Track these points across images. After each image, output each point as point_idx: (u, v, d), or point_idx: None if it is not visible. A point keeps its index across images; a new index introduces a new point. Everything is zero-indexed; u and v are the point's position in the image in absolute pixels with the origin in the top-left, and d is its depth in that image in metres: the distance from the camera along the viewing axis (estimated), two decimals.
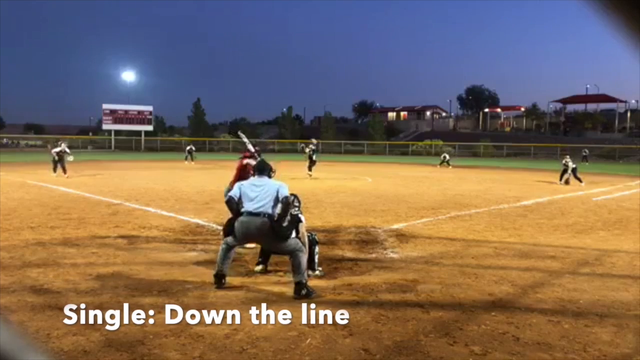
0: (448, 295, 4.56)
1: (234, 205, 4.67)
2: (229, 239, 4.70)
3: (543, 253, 6.38)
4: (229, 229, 4.71)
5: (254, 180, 4.84)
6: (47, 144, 18.14)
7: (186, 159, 28.70)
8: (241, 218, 4.59)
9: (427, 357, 3.23)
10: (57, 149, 17.07)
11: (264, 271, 5.22)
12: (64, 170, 16.71)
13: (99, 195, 11.64)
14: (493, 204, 11.23)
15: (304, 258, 4.58)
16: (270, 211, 4.56)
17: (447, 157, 30.91)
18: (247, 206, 4.60)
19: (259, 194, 4.62)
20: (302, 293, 4.38)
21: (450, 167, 28.59)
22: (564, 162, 17.81)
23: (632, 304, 4.38)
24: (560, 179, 17.59)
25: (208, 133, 59.55)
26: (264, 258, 5.29)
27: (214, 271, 4.72)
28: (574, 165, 17.48)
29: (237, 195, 4.68)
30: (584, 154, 37.46)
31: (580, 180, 17.01)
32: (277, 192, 4.62)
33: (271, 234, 4.54)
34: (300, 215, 5.24)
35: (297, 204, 5.42)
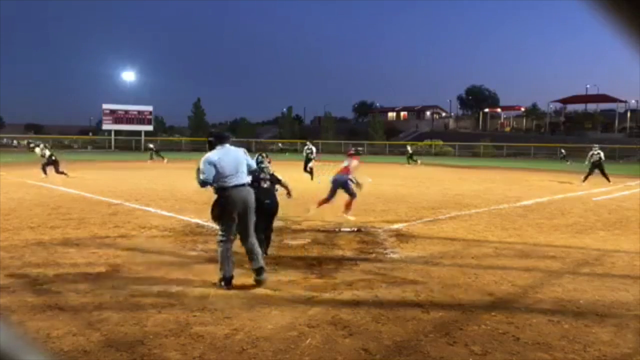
0: (448, 295, 4.56)
1: (209, 184, 4.75)
2: (223, 236, 4.77)
3: (543, 253, 6.38)
4: (218, 210, 4.78)
5: (220, 152, 4.80)
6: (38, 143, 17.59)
7: (151, 157, 27.75)
8: (228, 192, 4.68)
9: (427, 357, 3.23)
10: (46, 152, 16.65)
11: (265, 254, 5.48)
12: (57, 171, 16.37)
13: (99, 195, 11.63)
14: (493, 204, 11.23)
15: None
16: (248, 180, 4.91)
17: (410, 150, 30.13)
18: (229, 180, 4.69)
19: (234, 166, 4.75)
20: (264, 275, 4.77)
21: (419, 163, 28.14)
22: (593, 153, 16.86)
23: (632, 304, 4.38)
24: (586, 178, 16.78)
25: (208, 133, 59.49)
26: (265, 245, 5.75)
27: (221, 275, 4.70)
28: (603, 158, 16.80)
29: (213, 173, 4.68)
30: (561, 155, 36.40)
31: (585, 180, 16.70)
32: (247, 163, 4.94)
33: (254, 200, 4.85)
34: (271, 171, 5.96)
35: (267, 164, 6.01)
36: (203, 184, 4.75)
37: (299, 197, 11.35)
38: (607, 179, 16.74)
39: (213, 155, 4.75)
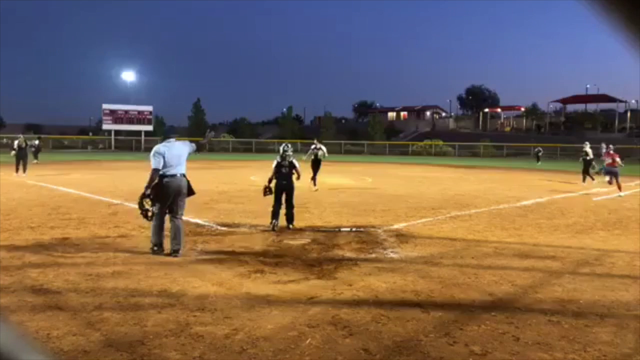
0: (448, 295, 4.56)
1: (158, 174, 5.78)
2: (158, 213, 5.82)
3: (543, 253, 6.38)
4: (156, 192, 5.81)
5: (168, 145, 5.92)
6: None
7: (36, 157, 22.85)
8: (167, 179, 5.80)
9: (427, 357, 3.23)
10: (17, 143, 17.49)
11: (292, 225, 7.69)
12: (24, 169, 17.11)
13: (99, 195, 11.63)
14: (493, 204, 11.23)
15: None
16: (184, 171, 5.98)
17: (316, 146, 30.07)
18: (169, 170, 5.81)
19: (177, 159, 5.87)
20: (179, 254, 5.76)
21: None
22: (584, 150, 16.75)
23: (632, 304, 4.38)
24: (584, 179, 16.62)
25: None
26: (277, 216, 7.55)
27: (152, 242, 5.85)
28: (590, 157, 16.62)
29: (161, 162, 5.76)
30: (539, 153, 35.24)
31: (592, 178, 16.51)
32: (188, 154, 6.08)
33: (187, 189, 6.00)
34: (294, 160, 7.66)
35: (290, 152, 7.72)
36: (154, 171, 5.76)
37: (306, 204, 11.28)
38: (584, 178, 16.76)
39: (161, 147, 5.89)
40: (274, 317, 3.89)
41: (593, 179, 16.60)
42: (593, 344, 3.47)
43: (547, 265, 5.73)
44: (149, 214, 5.83)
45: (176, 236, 5.82)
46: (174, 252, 5.78)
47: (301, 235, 7.24)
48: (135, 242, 6.64)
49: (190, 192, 6.11)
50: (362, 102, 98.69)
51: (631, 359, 3.33)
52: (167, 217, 5.97)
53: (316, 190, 13.26)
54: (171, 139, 6.02)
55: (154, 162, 5.77)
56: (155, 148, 5.90)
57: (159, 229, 5.88)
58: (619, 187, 13.44)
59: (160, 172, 5.77)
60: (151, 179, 5.77)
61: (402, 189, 14.53)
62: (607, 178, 13.93)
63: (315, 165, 14.24)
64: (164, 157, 5.76)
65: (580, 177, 17.15)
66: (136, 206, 6.83)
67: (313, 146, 14.55)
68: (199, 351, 3.24)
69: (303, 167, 8.82)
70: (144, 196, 5.78)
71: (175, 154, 5.87)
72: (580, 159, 17.12)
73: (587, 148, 16.89)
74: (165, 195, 5.81)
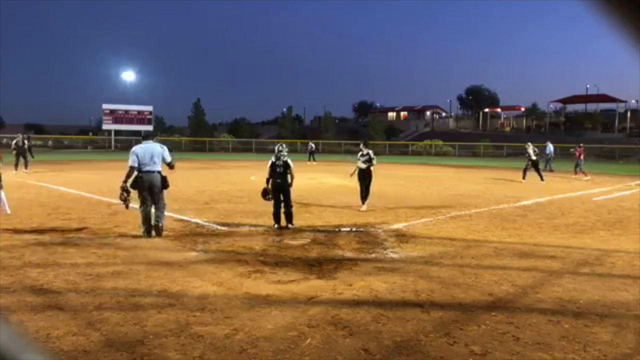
0: (448, 295, 4.56)
1: (134, 170, 6.79)
2: (142, 204, 6.78)
3: (543, 253, 6.38)
4: (135, 184, 6.79)
5: (143, 146, 6.90)
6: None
7: (28, 157, 18.47)
8: (142, 175, 6.78)
9: (427, 357, 3.23)
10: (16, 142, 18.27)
11: (291, 224, 7.76)
12: (25, 165, 17.86)
13: (99, 195, 11.64)
14: (493, 204, 11.23)
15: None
16: (159, 169, 6.93)
17: (313, 146, 30.42)
18: (145, 167, 6.79)
19: (151, 157, 6.81)
20: (161, 229, 6.91)
21: (315, 162, 28.43)
22: (527, 152, 17.46)
23: (632, 304, 4.38)
24: (524, 177, 17.33)
25: (208, 133, 59.45)
26: (279, 218, 7.76)
27: (143, 229, 6.81)
28: (534, 158, 17.23)
29: (137, 161, 6.76)
30: (535, 153, 35.23)
31: (541, 177, 16.98)
32: (162, 156, 6.96)
33: (161, 184, 6.92)
34: (288, 160, 7.76)
35: (285, 152, 7.80)
36: (131, 168, 6.78)
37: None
38: (524, 175, 17.44)
39: (137, 148, 6.89)
40: (274, 317, 3.89)
41: (542, 179, 16.99)
42: (593, 344, 3.47)
43: (547, 265, 5.73)
44: (127, 202, 6.85)
45: (159, 219, 6.91)
46: (157, 229, 6.88)
47: (301, 235, 7.24)
48: (136, 242, 6.64)
49: (165, 185, 7.03)
50: (362, 102, 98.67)
51: (631, 359, 3.33)
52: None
53: (365, 210, 9.84)
54: (149, 141, 7.03)
55: (130, 160, 6.79)
56: (133, 148, 6.91)
57: (147, 219, 6.81)
58: (577, 174, 19.45)
59: (137, 169, 6.78)
60: (127, 175, 6.83)
61: (402, 189, 14.53)
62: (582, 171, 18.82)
63: (366, 177, 10.09)
64: (137, 157, 6.77)
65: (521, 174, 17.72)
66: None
67: (360, 152, 10.28)
68: (199, 351, 3.24)
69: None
70: (122, 188, 6.78)
71: (149, 153, 6.83)
72: (528, 160, 17.60)
73: (530, 149, 17.50)
74: (140, 187, 6.80)
